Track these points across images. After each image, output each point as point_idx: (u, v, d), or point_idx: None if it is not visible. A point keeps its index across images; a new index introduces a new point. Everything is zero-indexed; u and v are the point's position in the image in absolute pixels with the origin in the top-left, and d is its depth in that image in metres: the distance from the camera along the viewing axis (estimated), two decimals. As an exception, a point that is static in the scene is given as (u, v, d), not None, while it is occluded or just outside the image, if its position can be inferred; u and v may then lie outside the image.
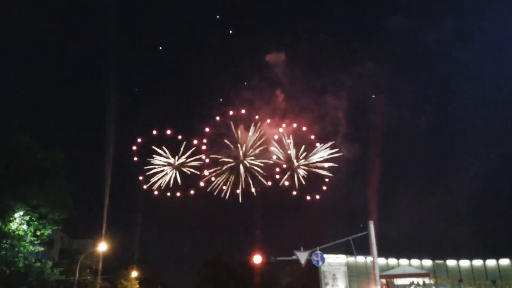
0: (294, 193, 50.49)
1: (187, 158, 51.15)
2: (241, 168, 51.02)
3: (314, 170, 50.02)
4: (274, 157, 50.66)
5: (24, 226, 26.23)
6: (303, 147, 50.19)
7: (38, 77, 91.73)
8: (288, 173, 50.35)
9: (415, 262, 47.44)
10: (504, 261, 46.76)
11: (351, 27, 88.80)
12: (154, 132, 52.36)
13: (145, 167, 51.45)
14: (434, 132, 74.43)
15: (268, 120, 52.00)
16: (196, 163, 51.44)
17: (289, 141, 50.70)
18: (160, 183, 51.50)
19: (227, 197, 51.53)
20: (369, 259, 40.90)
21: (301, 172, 50.00)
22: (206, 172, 51.49)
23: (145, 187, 51.76)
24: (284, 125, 51.83)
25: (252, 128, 50.89)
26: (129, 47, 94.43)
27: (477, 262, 47.74)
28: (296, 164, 50.19)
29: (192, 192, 52.29)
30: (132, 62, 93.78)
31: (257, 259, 18.92)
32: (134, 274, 53.95)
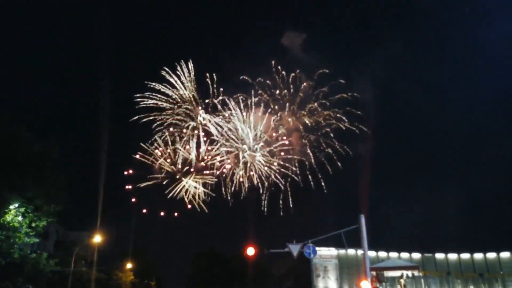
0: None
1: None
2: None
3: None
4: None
5: (19, 218, 26.37)
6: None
7: (33, 69, 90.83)
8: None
9: (404, 255, 48.36)
10: (491, 255, 47.87)
11: (375, 5, 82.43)
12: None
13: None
14: (432, 127, 73.62)
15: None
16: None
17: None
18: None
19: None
20: (360, 252, 41.65)
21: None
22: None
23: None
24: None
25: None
26: (125, 37, 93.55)
27: (465, 256, 48.79)
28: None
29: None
30: (129, 52, 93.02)
31: (250, 251, 19.40)
32: (129, 265, 54.42)
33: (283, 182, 49.58)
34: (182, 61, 49.80)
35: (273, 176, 48.80)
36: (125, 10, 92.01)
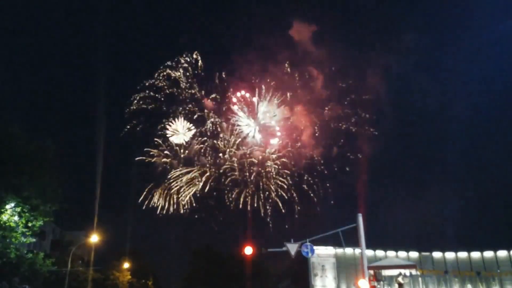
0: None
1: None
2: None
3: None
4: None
5: (16, 218, 26.11)
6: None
7: (29, 68, 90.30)
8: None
9: (402, 254, 48.36)
10: (488, 253, 47.91)
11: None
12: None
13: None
14: (432, 127, 73.19)
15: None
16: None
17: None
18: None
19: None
20: (357, 250, 41.58)
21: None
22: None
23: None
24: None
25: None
26: (125, 34, 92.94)
27: (462, 254, 48.81)
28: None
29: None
30: (129, 49, 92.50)
31: (248, 250, 19.30)
32: (126, 265, 54.28)
33: (292, 191, 49.49)
34: (188, 53, 49.02)
35: (279, 182, 48.60)
36: (127, 5, 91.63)
